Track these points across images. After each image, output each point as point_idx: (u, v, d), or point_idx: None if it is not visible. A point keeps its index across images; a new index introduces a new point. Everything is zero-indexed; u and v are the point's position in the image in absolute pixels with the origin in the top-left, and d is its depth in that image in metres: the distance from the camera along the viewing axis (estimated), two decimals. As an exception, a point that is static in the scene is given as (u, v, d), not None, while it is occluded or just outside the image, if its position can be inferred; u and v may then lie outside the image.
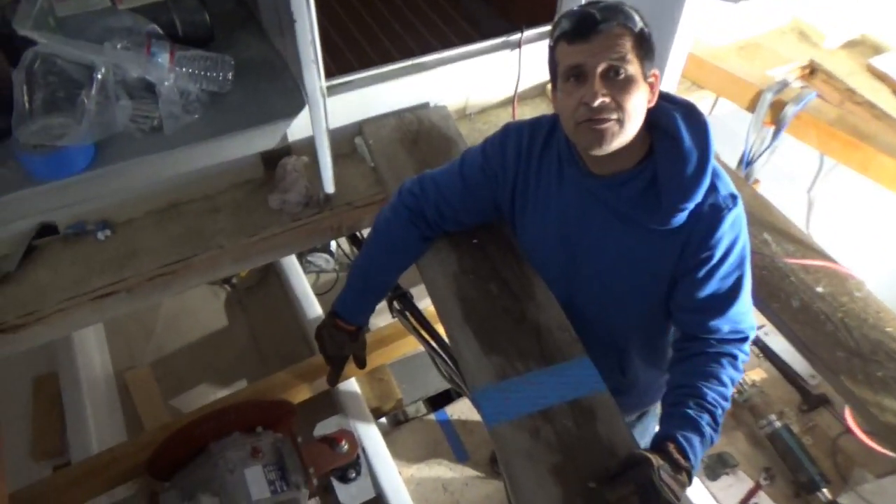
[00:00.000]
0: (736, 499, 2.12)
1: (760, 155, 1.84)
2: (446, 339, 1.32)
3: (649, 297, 1.20)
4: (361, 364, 1.43)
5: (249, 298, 2.66)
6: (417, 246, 1.33)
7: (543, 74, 1.89)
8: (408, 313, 1.45)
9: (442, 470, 2.20)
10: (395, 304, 1.46)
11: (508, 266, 1.33)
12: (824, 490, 2.07)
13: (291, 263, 2.64)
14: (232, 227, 1.52)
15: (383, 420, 2.37)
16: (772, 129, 1.85)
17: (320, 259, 2.80)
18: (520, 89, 1.79)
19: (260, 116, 1.28)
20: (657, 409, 1.57)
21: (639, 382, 1.38)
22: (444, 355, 1.33)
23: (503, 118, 1.82)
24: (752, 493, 2.14)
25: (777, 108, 1.83)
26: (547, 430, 1.10)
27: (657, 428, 1.63)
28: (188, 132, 1.22)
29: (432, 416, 2.36)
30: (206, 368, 2.42)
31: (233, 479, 1.73)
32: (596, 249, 1.18)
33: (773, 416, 2.23)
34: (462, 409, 2.36)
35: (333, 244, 2.77)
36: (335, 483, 1.97)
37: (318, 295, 2.55)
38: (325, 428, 2.04)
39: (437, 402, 2.50)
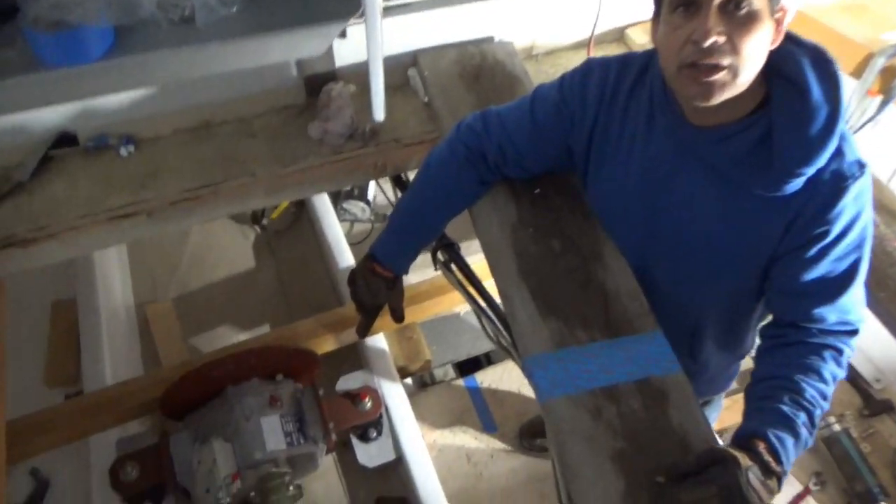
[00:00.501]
0: (783, 502, 1.96)
1: (862, 126, 1.62)
2: (497, 299, 1.17)
3: (740, 274, 1.02)
4: (399, 317, 1.29)
5: (279, 242, 2.54)
6: (473, 190, 1.17)
7: (623, 17, 1.70)
8: (453, 266, 1.30)
9: (467, 439, 2.08)
10: (440, 254, 1.31)
11: (575, 222, 1.16)
12: (882, 503, 1.90)
13: (326, 208, 2.50)
14: (266, 155, 1.37)
15: (409, 381, 2.25)
16: (878, 98, 1.62)
17: (356, 207, 2.65)
18: (596, 32, 1.60)
19: (308, 16, 1.10)
20: (721, 400, 1.41)
21: (709, 368, 1.21)
22: (491, 315, 1.17)
23: (573, 62, 1.63)
24: (800, 498, 1.98)
25: (887, 76, 1.60)
26: (610, 412, 0.95)
27: (716, 421, 1.47)
28: (223, 26, 1.05)
29: (461, 382, 2.22)
30: (229, 310, 2.31)
31: (248, 427, 1.62)
32: (684, 213, 1.01)
33: (832, 419, 2.05)
34: (493, 378, 2.22)
35: (371, 191, 2.62)
36: (354, 441, 1.85)
37: (351, 245, 2.41)
38: (348, 383, 1.91)
39: (467, 367, 2.36)
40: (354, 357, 2.18)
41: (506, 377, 2.22)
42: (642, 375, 0.98)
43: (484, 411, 2.15)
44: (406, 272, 1.27)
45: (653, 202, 1.03)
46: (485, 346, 2.34)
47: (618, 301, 1.07)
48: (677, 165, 0.99)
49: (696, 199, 0.99)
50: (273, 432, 1.63)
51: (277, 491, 1.60)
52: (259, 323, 2.29)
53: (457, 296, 2.05)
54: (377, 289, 1.24)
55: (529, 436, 2.04)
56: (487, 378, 2.22)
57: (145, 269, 2.40)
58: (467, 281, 1.24)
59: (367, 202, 2.64)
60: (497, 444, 2.07)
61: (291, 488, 1.63)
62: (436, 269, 1.36)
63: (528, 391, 2.19)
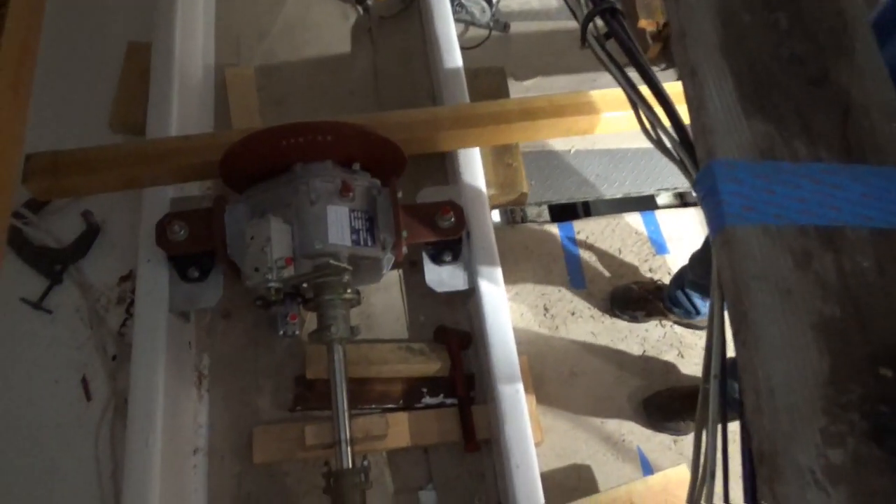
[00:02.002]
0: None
1: None
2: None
3: None
4: None
5: (381, 28, 2.20)
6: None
7: None
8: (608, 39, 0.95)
9: (549, 289, 1.82)
10: (596, 21, 0.95)
11: (818, -7, 0.77)
12: None
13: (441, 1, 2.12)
14: None
15: (496, 213, 1.98)
16: None
17: (475, 7, 2.25)
18: None
19: None
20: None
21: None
22: (653, 108, 0.83)
23: None
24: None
25: None
26: (825, 262, 0.63)
27: None
28: None
29: (554, 228, 1.93)
30: (312, 92, 2.05)
31: (312, 212, 1.40)
32: None
33: None
34: (593, 231, 1.92)
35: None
36: (425, 260, 1.62)
37: (462, 49, 2.04)
38: (431, 195, 1.65)
39: (564, 214, 2.06)
40: (440, 171, 1.91)
41: (607, 233, 1.91)
42: (885, 224, 0.65)
43: (574, 264, 1.86)
44: None
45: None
46: (590, 193, 2.01)
47: (864, 116, 0.71)
48: None
49: None
50: (339, 224, 1.41)
51: (333, 289, 1.41)
52: (342, 113, 2.00)
53: (574, 125, 1.71)
54: None
55: (621, 303, 1.76)
56: (587, 228, 1.92)
57: (231, 30, 2.13)
58: (628, 56, 0.88)
59: (490, 2, 2.23)
60: (581, 303, 1.81)
61: (349, 291, 1.44)
62: (582, 47, 1.00)
63: (630, 254, 1.89)
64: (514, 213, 2.02)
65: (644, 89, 0.85)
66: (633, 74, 0.88)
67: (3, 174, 0.91)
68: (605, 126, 1.70)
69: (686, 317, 1.71)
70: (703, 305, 1.62)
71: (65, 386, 1.54)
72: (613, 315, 1.78)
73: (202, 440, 1.52)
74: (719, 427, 0.69)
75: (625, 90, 0.88)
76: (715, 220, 0.67)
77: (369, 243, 1.45)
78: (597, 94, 1.69)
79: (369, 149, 1.49)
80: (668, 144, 0.79)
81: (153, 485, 1.29)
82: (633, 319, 1.77)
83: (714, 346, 0.69)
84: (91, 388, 1.54)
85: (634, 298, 1.76)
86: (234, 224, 1.45)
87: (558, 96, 1.69)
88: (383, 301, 1.75)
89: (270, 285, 1.32)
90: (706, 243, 1.50)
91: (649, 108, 0.83)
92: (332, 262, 1.35)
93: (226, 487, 1.49)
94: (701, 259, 1.50)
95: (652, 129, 0.83)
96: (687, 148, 0.76)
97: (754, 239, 0.64)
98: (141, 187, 1.61)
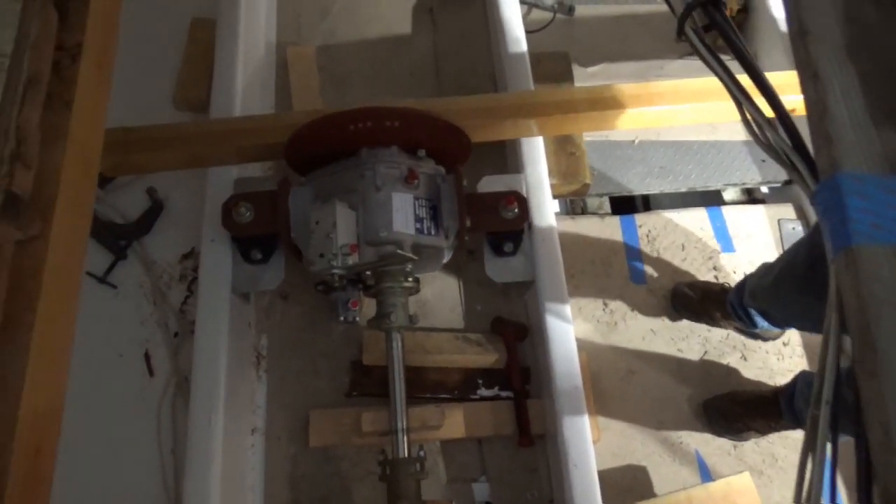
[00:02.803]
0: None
1: None
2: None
3: None
4: None
5: (444, 9, 2.15)
6: None
7: None
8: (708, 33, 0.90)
9: (608, 284, 1.78)
10: (698, 13, 0.90)
11: (959, -11, 0.71)
12: None
13: (506, -18, 2.06)
14: None
15: (555, 202, 1.93)
16: None
17: (540, -12, 2.19)
18: None
19: None
20: None
21: None
22: (759, 111, 0.79)
23: None
24: None
25: None
26: (964, 289, 0.58)
27: None
28: None
29: (616, 220, 1.88)
30: (372, 72, 2.02)
31: (377, 199, 1.38)
32: None
33: None
34: (656, 223, 1.86)
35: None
36: (486, 250, 1.60)
37: (527, 32, 1.98)
38: (491, 184, 1.62)
39: (625, 206, 2.01)
40: (501, 159, 1.88)
41: (670, 227, 1.85)
42: None
43: (635, 259, 1.82)
44: None
45: None
46: (654, 186, 1.95)
47: None
48: None
49: None
50: (403, 212, 1.39)
51: (395, 277, 1.40)
52: (401, 96, 1.99)
53: (644, 116, 1.65)
54: None
55: (683, 303, 1.71)
56: (648, 223, 1.86)
57: (292, 8, 2.11)
58: (732, 48, 0.83)
59: (556, -17, 2.17)
60: (640, 299, 1.76)
61: (410, 279, 1.42)
62: (679, 39, 0.95)
63: (694, 251, 1.83)
64: (573, 204, 1.97)
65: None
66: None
67: (90, 152, 0.91)
68: (677, 118, 1.64)
69: (746, 328, 1.65)
70: (761, 321, 1.55)
71: (128, 360, 1.57)
72: (676, 313, 1.73)
73: (260, 420, 1.54)
74: (828, 453, 0.65)
75: (728, 88, 0.83)
76: (838, 239, 0.62)
77: (432, 232, 1.43)
78: (669, 85, 1.62)
79: (436, 135, 1.46)
80: (786, 152, 0.74)
81: (215, 462, 1.31)
82: (698, 319, 1.71)
83: (827, 370, 0.65)
84: (153, 364, 1.56)
85: (694, 305, 1.70)
86: (298, 208, 1.44)
87: (629, 86, 1.63)
88: (439, 289, 1.73)
89: (335, 272, 1.32)
90: (768, 271, 1.39)
91: (757, 109, 0.78)
92: (398, 251, 1.33)
93: (281, 468, 1.50)
94: (768, 290, 1.40)
95: (760, 132, 0.78)
96: (801, 153, 0.72)
97: (884, 260, 0.60)
98: (204, 166, 1.61)
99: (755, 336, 1.70)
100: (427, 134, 1.46)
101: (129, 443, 1.49)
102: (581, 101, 1.62)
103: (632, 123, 1.67)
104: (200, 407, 1.35)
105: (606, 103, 1.62)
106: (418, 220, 1.41)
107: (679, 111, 1.61)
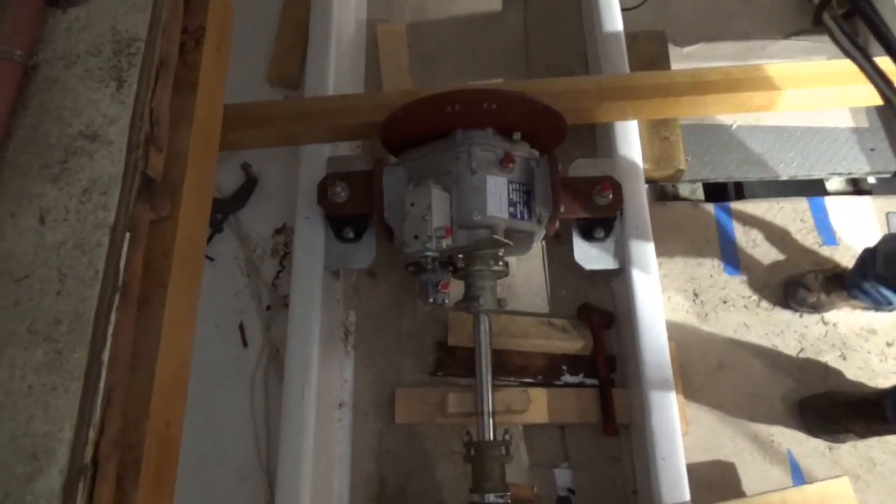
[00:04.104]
0: None
1: None
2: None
3: None
4: None
5: (535, -13, 2.11)
6: None
7: None
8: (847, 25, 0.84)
9: (700, 273, 1.72)
10: (833, 5, 0.84)
11: None
12: None
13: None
14: None
15: (646, 187, 1.87)
16: None
17: (635, -37, 2.10)
18: None
19: None
20: None
21: None
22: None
23: None
24: None
25: None
26: None
27: None
28: None
29: (709, 207, 1.81)
30: (462, 50, 2.00)
31: (471, 182, 1.37)
32: None
33: None
34: (753, 212, 1.78)
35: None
36: (575, 235, 1.57)
37: (623, 10, 1.91)
38: (584, 168, 1.58)
39: (718, 194, 1.93)
40: (590, 140, 1.83)
41: (768, 217, 1.77)
42: None
43: (729, 248, 1.75)
44: None
45: None
46: (752, 173, 1.86)
47: None
48: None
49: None
50: (497, 196, 1.38)
51: (485, 261, 1.40)
52: (490, 74, 1.97)
53: (748, 101, 1.57)
54: None
55: (794, 294, 1.63)
56: (744, 211, 1.79)
57: (382, -17, 2.11)
58: (879, 39, 0.77)
59: (653, -42, 2.07)
60: (734, 290, 1.70)
61: (500, 263, 1.42)
62: (815, 25, 0.89)
63: (793, 242, 1.74)
64: (665, 190, 1.91)
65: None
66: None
67: (211, 132, 0.94)
68: (785, 104, 1.55)
69: (876, 307, 1.58)
70: (892, 295, 1.50)
71: (224, 331, 1.63)
72: (785, 304, 1.66)
73: (347, 395, 1.58)
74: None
75: (874, 82, 0.78)
76: None
77: (525, 217, 1.41)
78: (776, 69, 1.54)
79: (532, 118, 1.44)
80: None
81: (308, 433, 1.35)
82: (814, 310, 1.64)
83: None
84: (247, 335, 1.62)
85: (810, 286, 1.63)
86: (392, 188, 1.45)
87: (734, 69, 1.55)
88: (524, 273, 1.72)
89: (428, 254, 1.32)
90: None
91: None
92: (495, 237, 1.32)
93: (367, 442, 1.54)
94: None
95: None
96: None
97: None
98: (298, 144, 1.64)
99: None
100: (523, 117, 1.43)
101: (225, 410, 1.56)
102: (682, 85, 1.56)
103: (735, 109, 1.60)
104: (294, 379, 1.39)
105: (709, 87, 1.55)
106: (512, 204, 1.39)
107: (790, 97, 1.53)
